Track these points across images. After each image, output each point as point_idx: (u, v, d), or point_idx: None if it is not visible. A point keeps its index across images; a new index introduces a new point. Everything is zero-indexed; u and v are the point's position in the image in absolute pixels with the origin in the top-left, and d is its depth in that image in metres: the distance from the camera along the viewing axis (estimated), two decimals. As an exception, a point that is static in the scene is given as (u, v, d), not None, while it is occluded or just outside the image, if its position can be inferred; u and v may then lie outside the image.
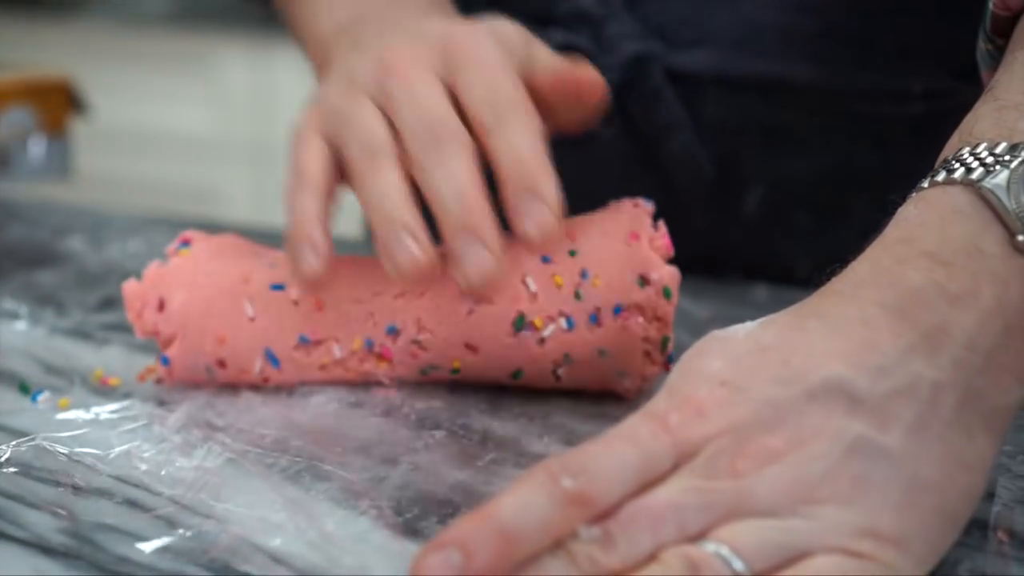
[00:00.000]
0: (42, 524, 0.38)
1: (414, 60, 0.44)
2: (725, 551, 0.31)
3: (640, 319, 0.45)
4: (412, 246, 0.40)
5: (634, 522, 0.31)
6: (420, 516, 0.38)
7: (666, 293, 0.45)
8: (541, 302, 0.45)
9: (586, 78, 0.46)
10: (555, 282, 0.45)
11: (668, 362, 0.46)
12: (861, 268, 0.36)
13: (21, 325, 0.54)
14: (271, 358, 0.46)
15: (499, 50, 0.45)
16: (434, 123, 0.42)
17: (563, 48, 0.60)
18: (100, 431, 0.44)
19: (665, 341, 0.46)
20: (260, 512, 0.38)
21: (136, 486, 0.40)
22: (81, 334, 0.53)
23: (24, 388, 0.47)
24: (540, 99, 0.45)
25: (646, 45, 0.60)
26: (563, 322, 0.45)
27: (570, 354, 0.46)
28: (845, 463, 0.32)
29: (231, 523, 0.38)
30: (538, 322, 0.45)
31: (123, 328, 0.53)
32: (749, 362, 0.34)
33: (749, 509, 0.31)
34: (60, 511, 0.38)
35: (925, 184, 0.37)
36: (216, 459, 0.42)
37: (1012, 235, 0.34)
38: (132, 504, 0.39)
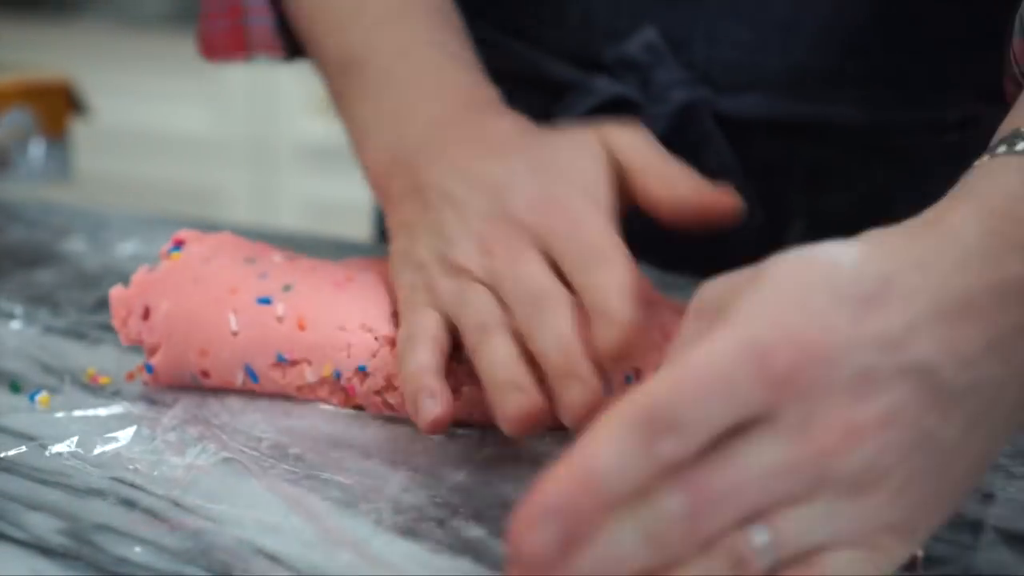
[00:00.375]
0: (41, 525, 0.38)
1: (514, 239, 0.46)
2: (764, 537, 0.31)
3: None
4: (517, 397, 0.41)
5: (722, 500, 0.31)
6: (419, 518, 0.38)
7: None
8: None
9: (725, 206, 0.47)
10: None
11: None
12: (967, 229, 0.34)
13: (16, 324, 0.54)
14: (251, 374, 0.46)
15: (589, 204, 0.46)
16: (536, 294, 0.44)
17: (611, 100, 0.60)
18: (96, 431, 0.44)
19: None
20: (259, 513, 0.38)
21: (133, 486, 0.40)
22: (75, 333, 0.53)
23: (15, 387, 0.47)
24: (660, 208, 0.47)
25: (695, 92, 0.60)
26: None
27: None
28: (909, 457, 0.32)
29: (230, 524, 0.38)
30: None
31: (122, 329, 0.53)
32: (854, 313, 0.32)
33: (822, 490, 0.31)
34: (59, 512, 0.38)
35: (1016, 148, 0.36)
36: (212, 459, 0.42)
37: None
38: (130, 504, 0.39)
